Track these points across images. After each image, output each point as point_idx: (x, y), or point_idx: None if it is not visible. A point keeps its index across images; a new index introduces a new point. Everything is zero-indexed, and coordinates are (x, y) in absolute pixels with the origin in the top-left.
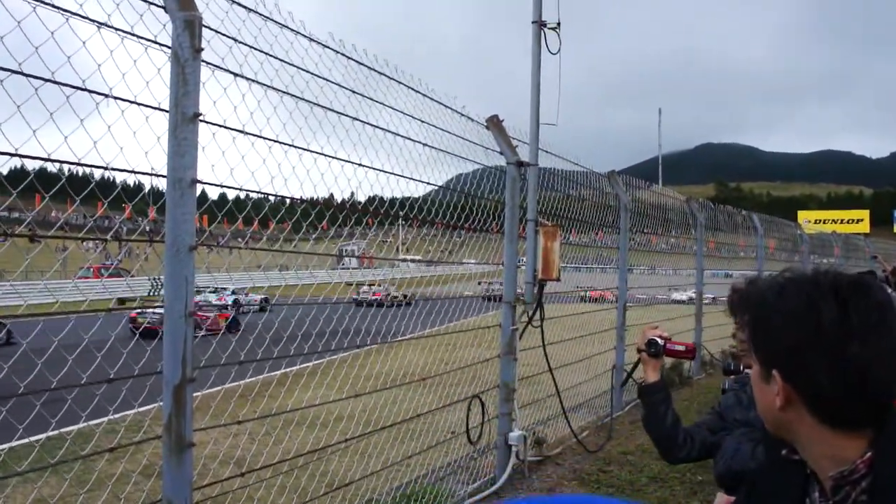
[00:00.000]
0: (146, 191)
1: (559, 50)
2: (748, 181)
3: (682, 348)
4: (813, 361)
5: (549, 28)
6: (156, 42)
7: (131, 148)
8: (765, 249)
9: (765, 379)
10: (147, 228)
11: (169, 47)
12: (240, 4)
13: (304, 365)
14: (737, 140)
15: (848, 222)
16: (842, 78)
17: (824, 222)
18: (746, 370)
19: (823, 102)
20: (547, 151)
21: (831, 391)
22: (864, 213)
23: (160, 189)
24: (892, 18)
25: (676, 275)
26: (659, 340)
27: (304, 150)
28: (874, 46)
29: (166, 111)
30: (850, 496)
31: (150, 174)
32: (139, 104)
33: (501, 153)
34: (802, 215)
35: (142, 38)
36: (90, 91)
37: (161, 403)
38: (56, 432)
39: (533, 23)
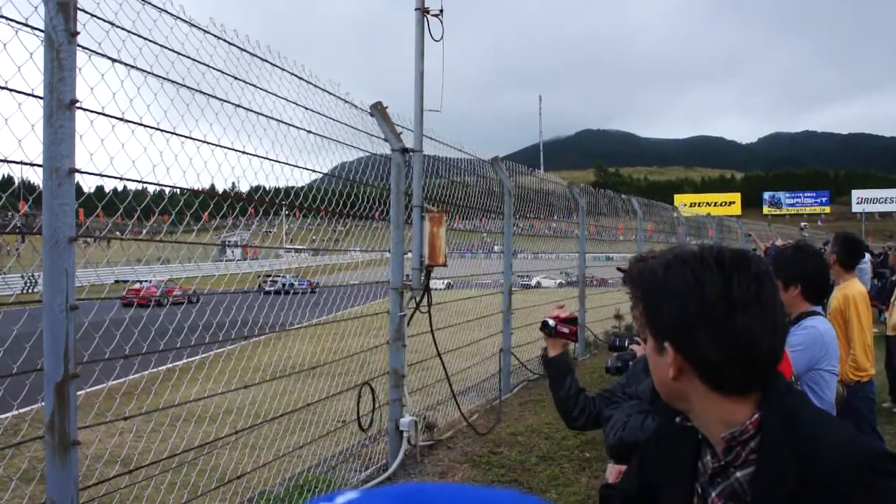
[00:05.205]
0: (17, 182)
1: (442, 37)
2: (626, 166)
3: (566, 331)
4: (701, 334)
5: (431, 15)
6: (27, 25)
7: (3, 136)
8: (644, 232)
9: (658, 351)
10: (19, 223)
11: (42, 31)
12: None
13: (191, 359)
14: (617, 127)
15: (721, 205)
16: (723, 64)
17: (699, 205)
18: (631, 347)
19: (704, 89)
20: (431, 138)
21: (719, 360)
22: (736, 196)
23: (31, 182)
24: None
25: (559, 259)
26: (550, 322)
27: (186, 137)
28: (759, 33)
29: (40, 97)
30: (740, 456)
31: (25, 164)
32: (11, 90)
33: (386, 140)
34: (679, 199)
35: (11, 20)
36: None
37: (42, 403)
38: None
39: (416, 10)
